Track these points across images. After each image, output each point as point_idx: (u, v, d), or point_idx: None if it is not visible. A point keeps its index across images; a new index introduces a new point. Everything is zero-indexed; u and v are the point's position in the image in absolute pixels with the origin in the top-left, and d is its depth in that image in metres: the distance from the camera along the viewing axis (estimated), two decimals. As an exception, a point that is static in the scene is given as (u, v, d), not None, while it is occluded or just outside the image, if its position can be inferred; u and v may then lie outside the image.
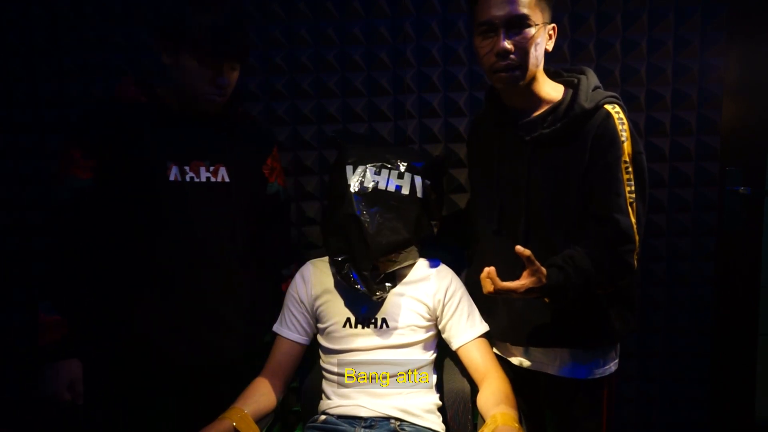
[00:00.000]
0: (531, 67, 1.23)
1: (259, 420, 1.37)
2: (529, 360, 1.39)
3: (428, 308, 1.44)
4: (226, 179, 1.40)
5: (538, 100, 1.28)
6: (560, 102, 1.25)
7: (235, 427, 1.28)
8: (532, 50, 1.21)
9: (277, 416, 1.49)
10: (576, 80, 1.28)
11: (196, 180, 1.37)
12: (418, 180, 1.49)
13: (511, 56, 1.21)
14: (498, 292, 1.17)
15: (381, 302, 1.43)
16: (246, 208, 1.46)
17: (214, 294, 1.40)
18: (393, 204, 1.44)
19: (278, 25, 1.75)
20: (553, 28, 1.27)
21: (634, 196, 1.20)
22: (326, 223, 1.51)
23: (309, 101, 1.79)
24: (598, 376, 1.32)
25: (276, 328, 1.50)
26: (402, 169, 1.48)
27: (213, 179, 1.39)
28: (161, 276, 1.35)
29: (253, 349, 1.51)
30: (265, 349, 1.51)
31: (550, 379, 1.36)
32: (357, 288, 1.39)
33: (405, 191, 1.46)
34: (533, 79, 1.26)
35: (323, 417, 1.42)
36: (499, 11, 1.19)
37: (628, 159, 1.20)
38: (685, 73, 1.73)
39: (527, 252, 1.13)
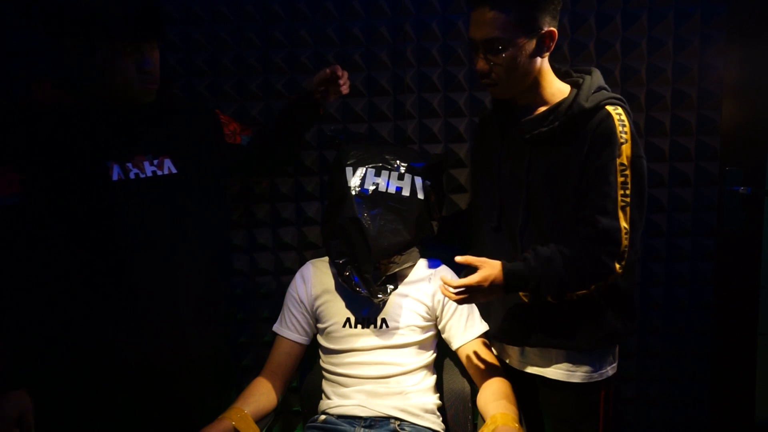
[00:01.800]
0: (513, 82, 1.23)
1: (260, 420, 1.37)
2: (525, 361, 1.38)
3: (428, 308, 1.44)
4: (173, 170, 1.33)
5: (542, 100, 1.28)
6: (562, 101, 1.24)
7: (234, 427, 1.28)
8: (511, 68, 1.20)
9: (278, 416, 1.49)
10: (581, 80, 1.27)
11: (142, 176, 1.28)
12: (418, 181, 1.49)
13: (492, 74, 1.22)
14: (460, 293, 1.21)
15: (381, 303, 1.44)
16: (200, 197, 1.39)
17: (172, 293, 1.33)
18: (394, 206, 1.44)
19: (278, 25, 1.75)
20: (549, 34, 1.20)
21: (628, 200, 1.17)
22: (327, 225, 1.51)
23: (309, 101, 1.79)
24: (594, 380, 1.32)
25: (276, 328, 1.50)
26: (402, 170, 1.49)
27: (159, 172, 1.31)
28: (115, 279, 1.27)
29: (212, 348, 1.46)
30: (223, 347, 1.48)
31: (545, 381, 1.35)
32: (358, 291, 1.39)
33: (405, 193, 1.46)
34: (534, 83, 1.26)
35: (323, 417, 1.43)
36: (476, 32, 1.20)
37: (626, 162, 1.17)
38: (685, 73, 1.73)
39: (465, 260, 1.21)
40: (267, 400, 1.41)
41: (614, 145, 1.17)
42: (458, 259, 1.23)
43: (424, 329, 1.44)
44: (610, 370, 1.34)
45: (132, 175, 1.28)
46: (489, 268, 1.20)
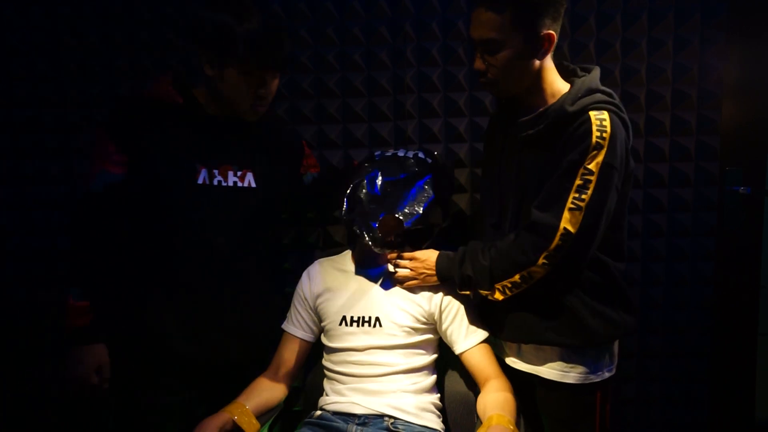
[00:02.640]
0: (509, 83, 1.23)
1: (261, 415, 1.39)
2: (521, 360, 1.38)
3: (424, 311, 1.43)
4: (253, 185, 1.42)
5: (543, 101, 1.26)
6: (553, 104, 1.23)
7: (235, 422, 1.30)
8: (507, 69, 1.20)
9: (279, 415, 1.50)
10: (576, 81, 1.27)
11: (224, 184, 1.38)
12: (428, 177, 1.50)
13: (488, 74, 1.23)
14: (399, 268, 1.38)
15: (376, 301, 1.44)
16: (270, 214, 1.49)
17: (227, 296, 1.41)
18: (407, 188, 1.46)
19: (278, 25, 1.75)
20: (547, 37, 1.19)
21: (581, 204, 1.15)
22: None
23: (309, 101, 1.79)
24: (589, 381, 1.30)
25: (284, 325, 1.53)
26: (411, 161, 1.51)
27: (240, 184, 1.40)
28: (177, 275, 1.37)
29: (258, 352, 1.53)
30: (269, 351, 1.52)
31: (541, 381, 1.35)
32: (364, 238, 1.38)
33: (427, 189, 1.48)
34: (534, 84, 1.25)
35: (319, 413, 1.44)
36: (474, 32, 1.21)
37: (594, 168, 1.14)
38: (685, 73, 1.73)
39: (394, 256, 1.39)
40: (270, 396, 1.43)
41: (582, 149, 1.15)
42: (406, 255, 1.38)
43: (419, 331, 1.43)
44: (606, 371, 1.32)
45: (215, 182, 1.37)
46: (429, 251, 1.36)
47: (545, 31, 1.18)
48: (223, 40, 1.25)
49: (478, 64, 1.23)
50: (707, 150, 1.76)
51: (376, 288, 1.46)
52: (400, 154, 1.51)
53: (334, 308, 1.46)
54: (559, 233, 1.16)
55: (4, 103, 1.80)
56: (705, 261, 1.82)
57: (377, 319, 1.43)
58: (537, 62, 1.22)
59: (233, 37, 1.24)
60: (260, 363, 1.51)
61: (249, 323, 1.46)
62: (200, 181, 1.35)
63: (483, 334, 1.43)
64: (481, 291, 1.30)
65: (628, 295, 1.31)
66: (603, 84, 1.27)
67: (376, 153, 1.54)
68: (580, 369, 1.30)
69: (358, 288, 1.47)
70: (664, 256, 1.82)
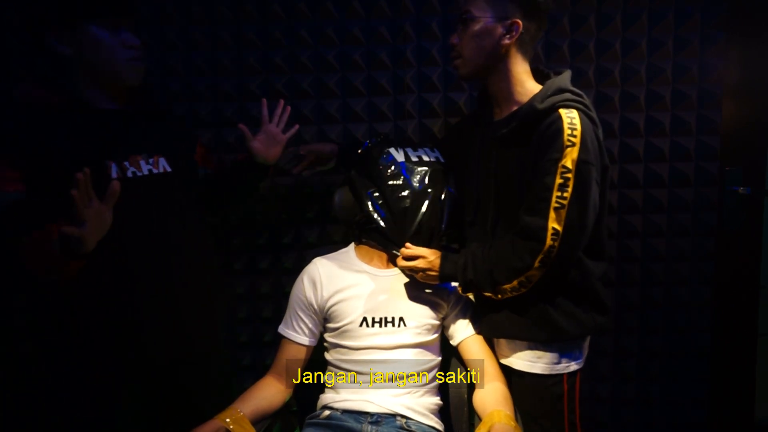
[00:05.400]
0: (471, 59, 1.29)
1: (258, 421, 1.36)
2: (500, 353, 1.42)
3: (441, 305, 1.45)
4: (168, 169, 1.37)
5: (515, 101, 1.30)
6: (525, 103, 1.28)
7: (228, 428, 1.28)
8: (472, 44, 1.27)
9: (277, 417, 1.48)
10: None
11: (139, 174, 1.31)
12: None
13: (456, 47, 1.31)
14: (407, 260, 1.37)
15: (398, 301, 1.43)
16: (189, 194, 1.44)
17: (170, 289, 1.35)
18: (441, 174, 1.48)
19: (278, 25, 1.75)
20: (513, 24, 1.24)
21: (564, 202, 1.18)
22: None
23: (309, 101, 1.79)
24: (555, 371, 1.34)
25: (281, 330, 1.48)
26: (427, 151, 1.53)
27: (155, 170, 1.35)
28: (116, 275, 1.29)
29: (211, 344, 1.49)
30: (222, 344, 1.53)
31: (514, 372, 1.39)
32: (379, 222, 1.41)
33: (442, 160, 1.51)
34: (502, 73, 1.29)
35: (327, 412, 1.41)
36: (462, 6, 1.30)
37: (570, 165, 1.17)
38: (685, 73, 1.73)
39: (401, 260, 1.38)
40: (268, 403, 1.40)
41: (557, 148, 1.18)
42: (412, 252, 1.37)
43: (436, 327, 1.45)
44: (574, 363, 1.35)
45: (129, 174, 1.29)
46: (436, 252, 1.36)
47: (513, 19, 1.25)
48: (68, 2, 1.22)
49: (453, 37, 1.32)
50: (707, 150, 1.76)
51: (394, 287, 1.45)
52: (421, 157, 1.50)
53: (352, 309, 1.42)
54: (549, 233, 1.19)
55: None
56: (705, 261, 1.82)
57: (401, 319, 1.42)
58: (503, 46, 1.26)
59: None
60: (210, 356, 1.49)
61: (201, 313, 1.42)
62: (114, 176, 1.27)
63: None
64: (485, 293, 1.33)
65: (601, 295, 1.33)
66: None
67: (387, 148, 1.51)
68: (547, 359, 1.33)
69: (376, 287, 1.44)
70: (664, 256, 1.82)
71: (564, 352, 1.34)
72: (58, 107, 1.26)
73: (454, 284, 1.44)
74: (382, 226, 1.43)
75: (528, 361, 1.35)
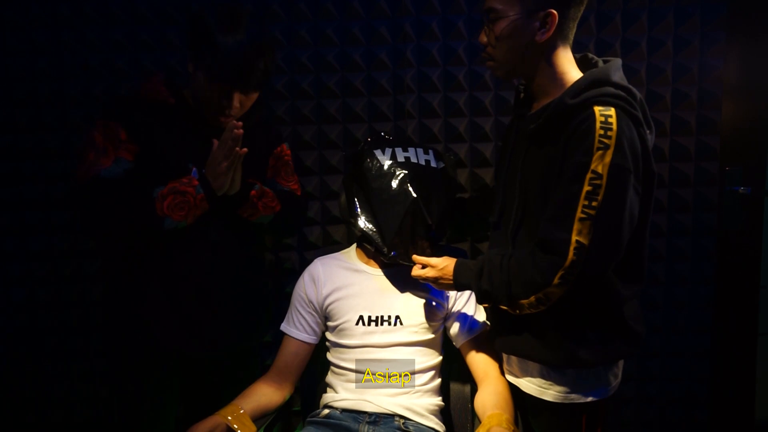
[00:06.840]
0: (506, 60, 1.14)
1: (258, 418, 1.37)
2: (508, 370, 1.34)
3: (444, 306, 1.45)
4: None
5: (552, 93, 1.16)
6: (557, 97, 1.13)
7: (230, 425, 1.28)
8: (502, 45, 1.12)
9: (278, 416, 1.49)
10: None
11: None
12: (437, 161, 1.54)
13: (488, 49, 1.16)
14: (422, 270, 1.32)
15: (395, 299, 1.43)
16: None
17: (223, 290, 1.44)
18: (425, 174, 1.47)
19: (278, 25, 1.75)
20: (548, 16, 1.08)
21: (592, 212, 1.03)
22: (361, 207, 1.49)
23: (309, 101, 1.79)
24: (570, 401, 1.21)
25: (284, 327, 1.50)
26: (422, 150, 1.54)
27: None
28: (172, 271, 1.39)
29: (249, 345, 1.59)
30: (260, 346, 1.55)
31: (524, 395, 1.29)
32: (362, 227, 1.42)
33: (433, 165, 1.51)
34: (542, 70, 1.15)
35: (326, 411, 1.42)
36: (483, 3, 1.16)
37: (601, 170, 1.02)
38: (685, 73, 1.73)
39: (419, 260, 1.33)
40: (269, 400, 1.41)
41: (585, 150, 1.03)
42: (415, 257, 1.35)
43: (435, 327, 1.44)
44: (594, 395, 1.20)
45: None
46: (448, 259, 1.29)
47: (546, 9, 1.08)
48: (201, 43, 1.28)
49: (482, 36, 1.17)
50: (707, 150, 1.76)
51: (392, 286, 1.45)
52: (420, 159, 1.50)
53: (348, 308, 1.44)
54: (572, 247, 1.04)
55: (4, 103, 1.79)
56: (705, 261, 1.82)
57: (398, 317, 1.42)
58: (539, 43, 1.11)
59: (209, 45, 1.26)
60: (248, 356, 1.59)
61: (239, 315, 1.49)
62: (194, 176, 1.35)
63: (484, 327, 1.44)
64: (501, 306, 1.19)
65: (630, 323, 1.17)
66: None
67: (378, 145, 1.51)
68: (559, 388, 1.21)
69: (373, 286, 1.45)
70: (664, 256, 1.82)
71: (580, 381, 1.20)
72: (173, 107, 1.38)
73: None
74: (365, 231, 1.43)
75: (539, 387, 1.23)
